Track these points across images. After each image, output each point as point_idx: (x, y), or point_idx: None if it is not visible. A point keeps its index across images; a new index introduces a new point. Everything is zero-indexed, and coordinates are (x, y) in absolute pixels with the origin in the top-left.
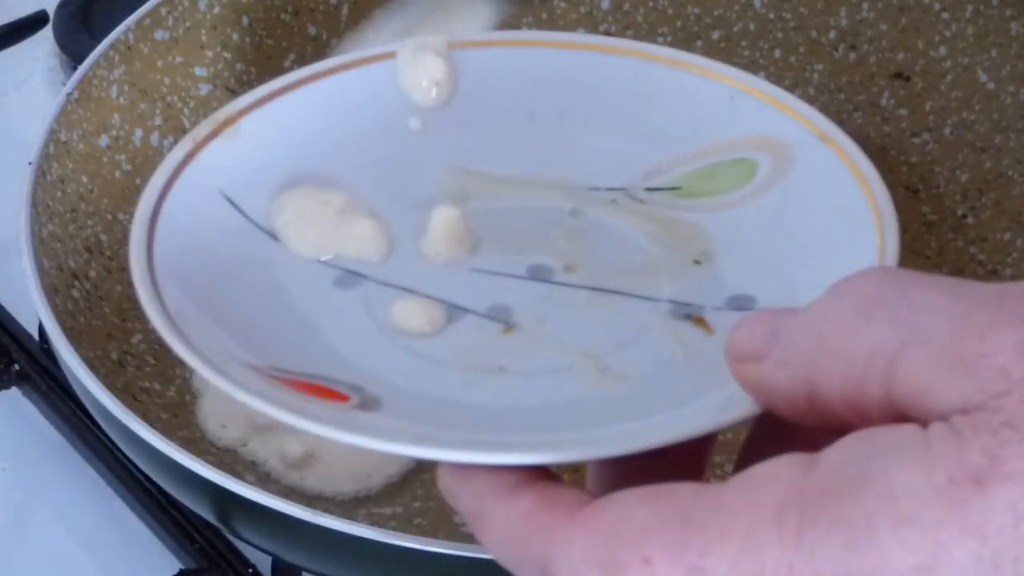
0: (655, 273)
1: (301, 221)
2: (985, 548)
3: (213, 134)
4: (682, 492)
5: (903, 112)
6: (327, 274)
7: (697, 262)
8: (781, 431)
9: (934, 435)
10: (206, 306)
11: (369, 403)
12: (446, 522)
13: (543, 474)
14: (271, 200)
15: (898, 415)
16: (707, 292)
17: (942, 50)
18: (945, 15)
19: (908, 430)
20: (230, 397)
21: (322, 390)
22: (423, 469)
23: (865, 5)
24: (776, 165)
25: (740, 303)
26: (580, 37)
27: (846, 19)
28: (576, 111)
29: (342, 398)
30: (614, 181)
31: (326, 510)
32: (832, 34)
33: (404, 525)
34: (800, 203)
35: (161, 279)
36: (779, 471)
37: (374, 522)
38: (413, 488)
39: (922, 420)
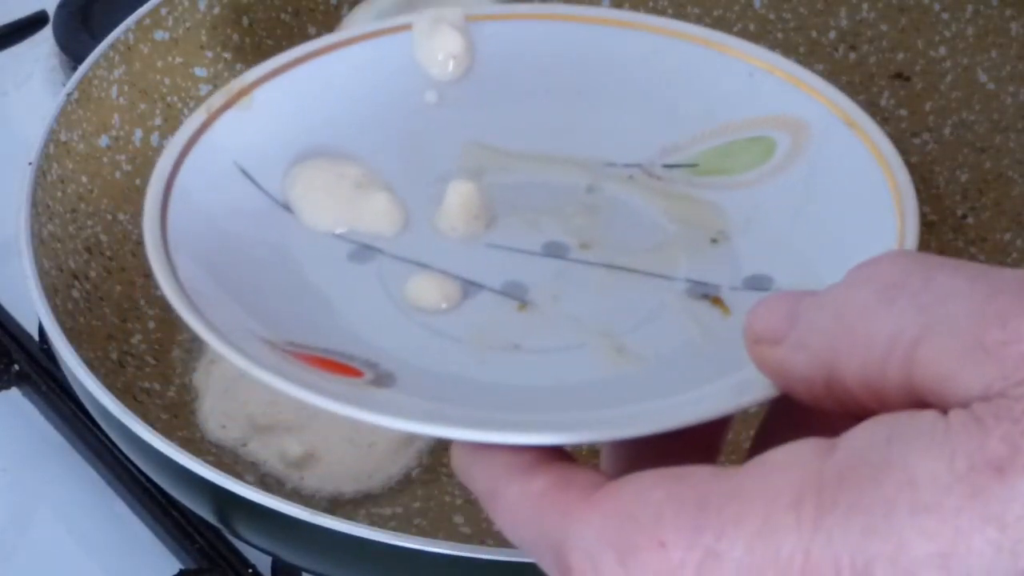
0: (672, 251)
1: (315, 194)
2: (1004, 537)
3: (227, 105)
4: (699, 476)
5: (903, 112)
6: (341, 248)
7: (714, 241)
8: (798, 415)
9: (955, 422)
10: (220, 279)
11: (383, 379)
12: (446, 522)
13: (558, 454)
14: (285, 172)
15: (917, 401)
16: (724, 271)
17: (942, 50)
18: (945, 15)
19: (928, 416)
20: (231, 393)
21: (336, 365)
22: (424, 469)
23: (865, 5)
24: (795, 144)
25: (758, 283)
26: (600, 11)
27: (846, 19)
28: (594, 86)
29: (356, 373)
30: (631, 157)
31: (326, 510)
32: (832, 34)
33: (404, 525)
34: (819, 183)
35: (174, 251)
36: (797, 456)
37: (374, 522)
38: (413, 488)
39: (942, 407)
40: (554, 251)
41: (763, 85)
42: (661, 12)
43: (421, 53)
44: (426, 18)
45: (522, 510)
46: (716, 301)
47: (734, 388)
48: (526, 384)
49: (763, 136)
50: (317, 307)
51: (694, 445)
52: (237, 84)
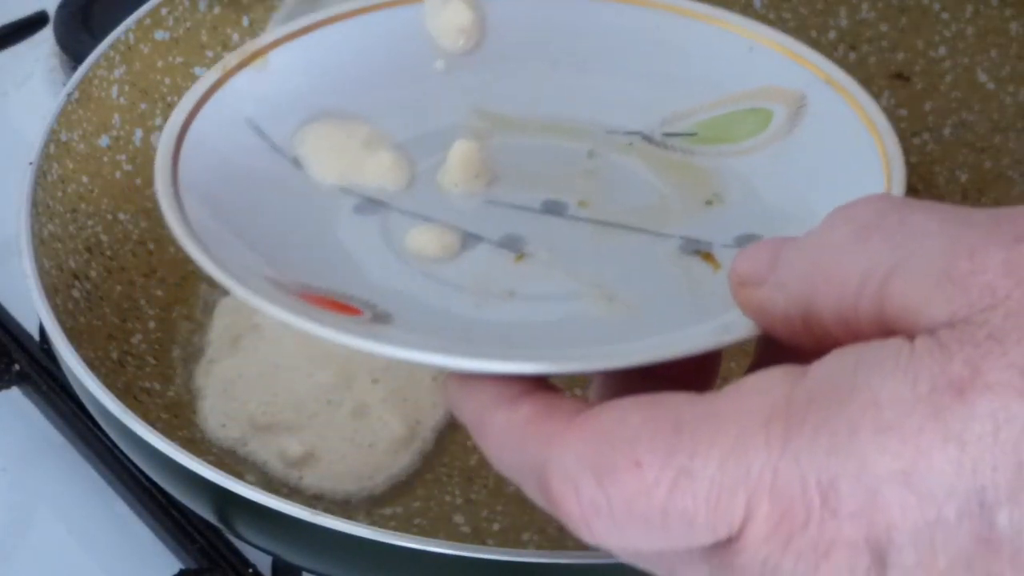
0: (667, 212)
1: (324, 150)
2: (964, 455)
3: (241, 64)
4: (675, 401)
5: (903, 112)
6: (347, 201)
7: (709, 203)
8: (781, 358)
9: (920, 346)
10: (228, 222)
11: (381, 317)
12: (446, 522)
13: (543, 385)
14: (295, 130)
15: (888, 333)
16: (716, 230)
17: (942, 50)
18: (945, 15)
19: (894, 343)
20: (231, 393)
21: (337, 305)
22: (424, 469)
23: (865, 5)
24: (790, 114)
25: (748, 241)
26: None
27: (846, 19)
28: (598, 58)
29: (355, 311)
30: (632, 125)
31: (326, 510)
32: (832, 34)
33: (404, 525)
34: (811, 149)
35: (184, 194)
36: (769, 381)
37: (374, 522)
38: (413, 488)
39: (910, 335)
40: (553, 208)
41: (762, 58)
42: None
43: (432, 25)
44: None
45: (508, 437)
46: (707, 257)
47: (718, 328)
48: (518, 323)
49: (760, 107)
50: (320, 252)
51: (683, 384)
52: (252, 46)
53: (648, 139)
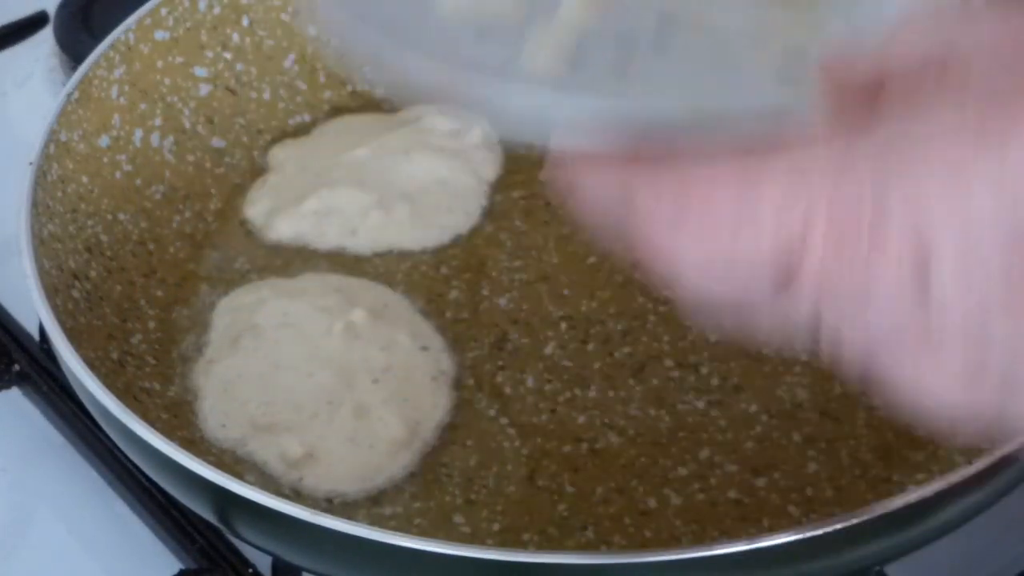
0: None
1: None
2: (1005, 176)
3: None
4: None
5: None
6: (468, 28)
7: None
8: None
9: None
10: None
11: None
12: (446, 522)
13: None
14: None
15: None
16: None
17: None
18: None
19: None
20: (231, 392)
21: None
22: (424, 469)
23: None
24: None
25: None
26: None
27: None
28: None
29: None
30: None
31: (326, 510)
32: None
33: (404, 525)
34: None
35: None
36: (832, 120)
37: (374, 522)
38: (413, 488)
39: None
40: None
41: None
42: None
43: None
44: None
45: (603, 187)
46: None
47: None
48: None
49: None
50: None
51: None
52: None
53: None
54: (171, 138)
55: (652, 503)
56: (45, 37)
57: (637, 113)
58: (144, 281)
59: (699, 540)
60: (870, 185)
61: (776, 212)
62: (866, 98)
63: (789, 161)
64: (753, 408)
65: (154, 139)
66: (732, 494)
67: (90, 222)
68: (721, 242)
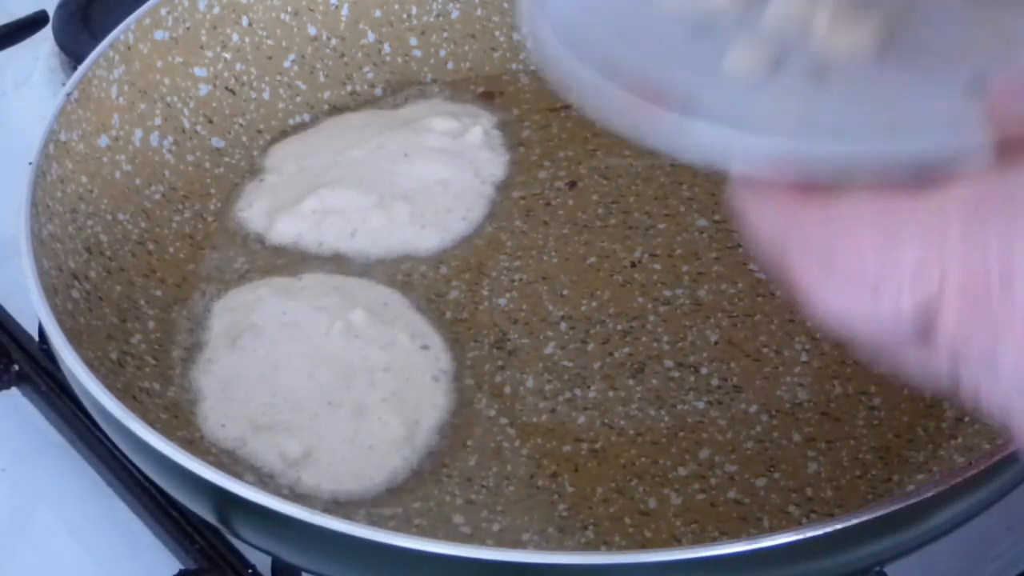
0: (965, 60)
1: None
2: None
3: None
4: (896, 198)
5: None
6: (686, 24)
7: (1007, 58)
8: None
9: None
10: (576, 34)
11: (687, 108)
12: (446, 522)
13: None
14: None
15: None
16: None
17: None
18: None
19: None
20: (230, 392)
21: (648, 87)
22: (424, 469)
23: None
24: None
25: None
26: None
27: None
28: None
29: (664, 96)
30: None
31: (325, 510)
32: None
33: (404, 525)
34: None
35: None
36: (976, 176)
37: (374, 522)
38: (413, 488)
39: None
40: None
41: None
42: None
43: None
44: None
45: (764, 222)
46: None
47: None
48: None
49: None
50: (652, 60)
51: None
52: None
53: None
54: (171, 138)
55: (652, 503)
56: (45, 37)
57: (815, 155)
58: (144, 281)
59: (699, 540)
60: (995, 239)
61: (915, 268)
62: None
63: (929, 210)
64: (753, 408)
65: (154, 139)
66: (732, 494)
67: (90, 222)
68: (864, 296)
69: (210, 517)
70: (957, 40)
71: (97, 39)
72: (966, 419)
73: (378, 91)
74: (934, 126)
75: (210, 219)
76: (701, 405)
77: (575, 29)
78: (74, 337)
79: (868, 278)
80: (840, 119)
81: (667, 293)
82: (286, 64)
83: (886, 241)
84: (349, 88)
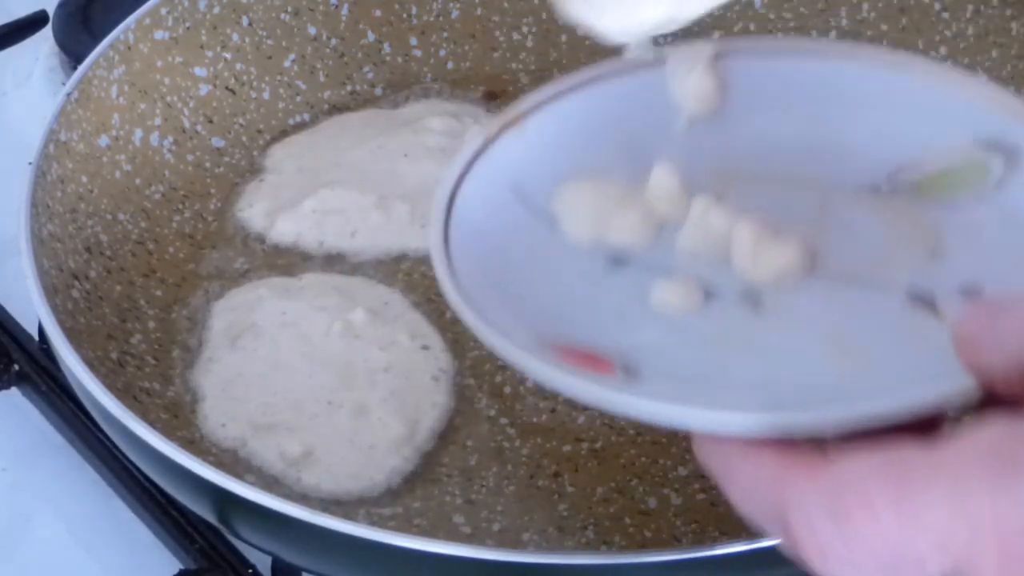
0: (893, 263)
1: (579, 210)
2: None
3: (502, 130)
4: (905, 450)
5: None
6: (599, 256)
7: (933, 254)
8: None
9: None
10: (494, 281)
11: (631, 369)
12: (446, 522)
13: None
14: (553, 190)
15: None
16: (941, 281)
17: (942, 50)
18: (945, 15)
19: None
20: (231, 392)
21: (588, 357)
22: (424, 469)
23: (865, 5)
24: (1009, 166)
25: (972, 291)
26: (832, 45)
27: (846, 19)
28: (823, 115)
29: (606, 363)
30: (861, 179)
31: (326, 510)
32: (832, 34)
33: (404, 525)
34: None
35: (455, 257)
36: (990, 429)
37: (374, 522)
38: (413, 488)
39: None
40: None
41: (977, 111)
42: None
43: (675, 90)
44: (681, 57)
45: (753, 484)
46: (931, 308)
47: (943, 383)
48: (759, 381)
49: (978, 160)
50: (576, 305)
51: (911, 427)
52: (510, 113)
53: (876, 191)
54: (171, 138)
55: (652, 503)
56: (45, 37)
57: (772, 425)
58: (144, 281)
59: (699, 540)
60: None
61: (939, 543)
62: (1019, 383)
63: (945, 463)
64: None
65: (154, 139)
66: None
67: (90, 222)
68: (883, 566)
69: (210, 517)
70: (881, 245)
71: (97, 39)
72: None
73: (378, 91)
74: (907, 371)
75: (210, 219)
76: None
77: (489, 279)
78: (74, 337)
79: (886, 553)
80: (802, 374)
81: None
82: (286, 64)
83: (902, 503)
84: (349, 88)
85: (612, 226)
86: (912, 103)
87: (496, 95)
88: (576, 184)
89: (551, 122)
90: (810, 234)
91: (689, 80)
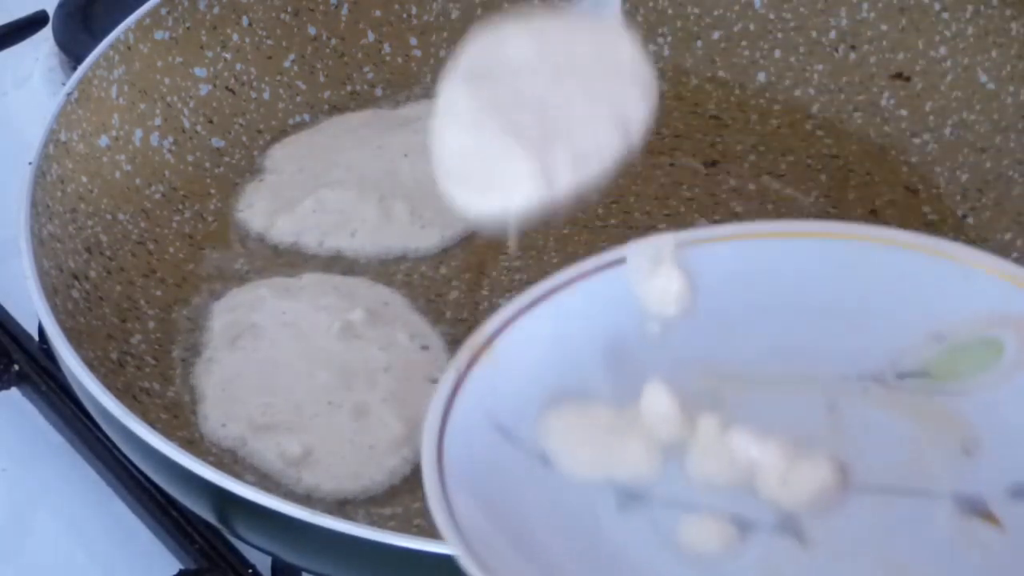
0: (927, 466)
1: (571, 444)
2: None
3: (473, 361)
4: None
5: (903, 112)
6: (606, 495)
7: (966, 450)
8: None
9: None
10: (497, 527)
11: None
12: None
13: None
14: (537, 421)
15: None
16: (986, 482)
17: (942, 50)
18: (945, 15)
19: None
20: (231, 392)
21: None
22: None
23: (865, 5)
24: (1022, 342)
25: (1020, 491)
26: (804, 225)
27: (846, 19)
28: (810, 301)
29: None
30: (862, 369)
31: (325, 510)
32: (832, 34)
33: (404, 525)
34: None
35: (457, 512)
36: None
37: (374, 522)
38: (413, 488)
39: None
40: None
41: (979, 286)
42: (661, 12)
43: (641, 290)
44: (643, 254)
45: None
46: (987, 516)
47: None
48: None
49: (989, 337)
50: (591, 554)
51: None
52: (478, 339)
53: (882, 382)
54: (171, 138)
55: None
56: (45, 37)
57: None
58: (144, 281)
59: None
60: None
61: None
62: None
63: None
64: None
65: (154, 139)
66: None
67: (90, 222)
68: None
69: (210, 517)
70: (909, 447)
71: (97, 39)
72: None
73: (378, 91)
74: None
75: (210, 219)
76: None
77: (496, 526)
78: (74, 337)
79: None
80: None
81: None
82: (286, 64)
83: None
84: (349, 88)
85: (614, 461)
86: (900, 279)
87: None
88: (560, 414)
89: (522, 342)
90: (834, 445)
91: (655, 282)
